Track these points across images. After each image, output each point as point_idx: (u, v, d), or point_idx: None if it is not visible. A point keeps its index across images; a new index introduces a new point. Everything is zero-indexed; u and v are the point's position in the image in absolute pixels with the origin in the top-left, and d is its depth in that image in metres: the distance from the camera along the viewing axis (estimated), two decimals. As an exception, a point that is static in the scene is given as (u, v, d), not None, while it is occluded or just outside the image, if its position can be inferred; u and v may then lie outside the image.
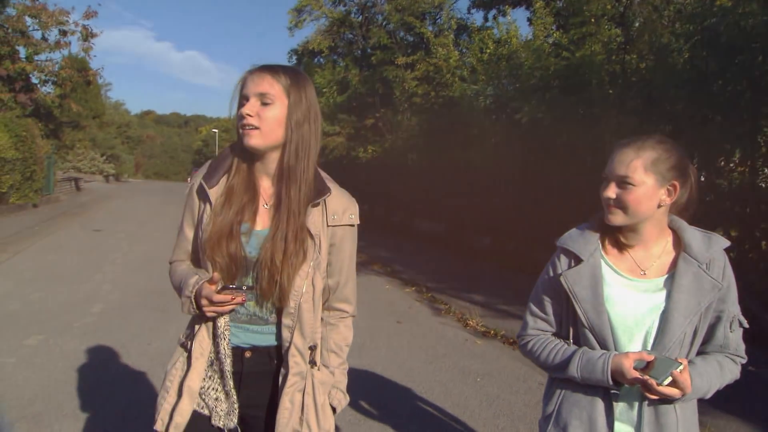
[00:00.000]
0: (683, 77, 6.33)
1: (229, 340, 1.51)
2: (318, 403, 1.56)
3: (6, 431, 3.08)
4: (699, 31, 6.02)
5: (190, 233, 1.61)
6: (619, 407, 1.49)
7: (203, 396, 1.55)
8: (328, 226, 1.52)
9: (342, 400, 1.64)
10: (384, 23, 18.33)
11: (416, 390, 4.08)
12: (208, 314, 1.46)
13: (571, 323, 1.54)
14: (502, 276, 8.73)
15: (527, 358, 1.65)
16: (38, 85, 17.78)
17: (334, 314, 1.65)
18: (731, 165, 6.87)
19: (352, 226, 1.57)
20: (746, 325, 1.50)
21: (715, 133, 5.79)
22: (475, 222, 11.44)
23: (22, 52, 16.81)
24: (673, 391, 1.36)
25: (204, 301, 1.43)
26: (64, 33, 17.01)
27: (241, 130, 1.46)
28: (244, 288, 1.43)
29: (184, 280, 1.53)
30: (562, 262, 1.55)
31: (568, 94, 8.25)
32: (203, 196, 1.54)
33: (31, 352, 4.36)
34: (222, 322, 1.50)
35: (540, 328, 1.61)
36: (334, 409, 1.62)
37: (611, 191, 1.45)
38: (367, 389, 4.01)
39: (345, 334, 1.67)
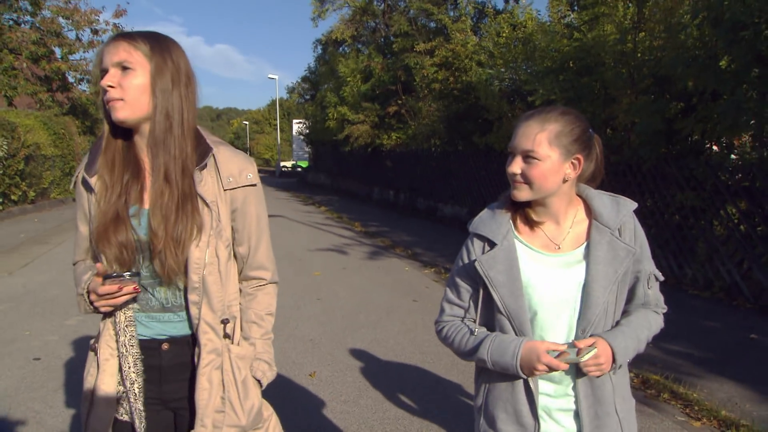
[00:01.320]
0: (692, 54, 6.37)
1: (132, 334, 1.42)
2: (238, 379, 1.46)
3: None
4: (705, 8, 6.05)
5: (84, 229, 1.49)
6: (548, 389, 1.47)
7: (122, 401, 1.46)
8: (225, 190, 1.42)
9: (267, 371, 1.53)
10: (405, 10, 18.41)
11: (425, 360, 4.34)
12: (102, 309, 1.37)
13: (486, 309, 1.50)
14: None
15: (444, 344, 1.61)
16: (74, 84, 18.47)
17: (251, 283, 1.55)
18: (743, 140, 6.91)
19: (254, 185, 1.47)
20: (661, 278, 1.53)
21: (725, 109, 5.84)
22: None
23: (58, 52, 17.46)
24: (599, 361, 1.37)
25: (93, 296, 1.34)
26: (95, 32, 17.60)
27: (106, 106, 1.34)
28: (127, 275, 1.32)
29: (77, 279, 1.44)
30: (476, 247, 1.50)
31: (581, 75, 8.32)
32: (87, 187, 1.43)
33: (70, 331, 4.77)
34: (122, 316, 1.40)
35: (455, 315, 1.57)
36: (259, 383, 1.53)
37: (516, 166, 1.41)
38: (378, 361, 4.29)
39: (266, 303, 1.56)
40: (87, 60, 18.33)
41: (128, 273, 1.32)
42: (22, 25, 17.04)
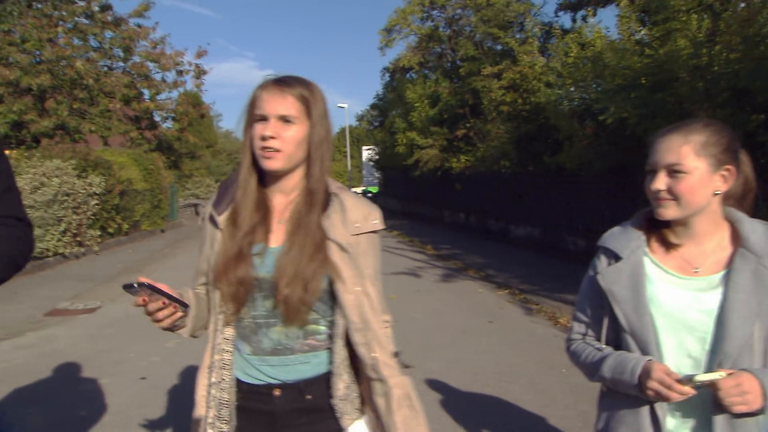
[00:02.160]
0: (770, 66, 6.20)
1: (221, 377, 1.42)
2: (418, 406, 1.46)
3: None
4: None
5: (204, 265, 1.50)
6: (674, 422, 1.35)
7: None
8: (351, 235, 1.43)
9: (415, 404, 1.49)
10: (471, 35, 18.66)
11: (503, 379, 4.42)
12: (157, 325, 1.38)
13: (612, 327, 1.44)
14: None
15: (572, 363, 1.56)
16: (159, 122, 19.82)
17: None
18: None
19: (375, 232, 1.48)
20: None
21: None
22: (570, 225, 11.45)
23: (146, 93, 18.83)
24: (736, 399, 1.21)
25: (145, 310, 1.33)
26: (180, 73, 18.86)
27: (259, 152, 1.38)
28: (186, 305, 1.34)
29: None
30: (602, 261, 1.45)
31: (654, 92, 8.20)
32: (214, 224, 1.46)
33: (171, 353, 5.18)
34: (217, 357, 1.42)
35: (583, 332, 1.52)
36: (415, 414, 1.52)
37: (660, 182, 1.32)
38: (456, 380, 4.41)
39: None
40: (171, 99, 19.66)
41: (186, 303, 1.32)
42: (115, 71, 18.52)
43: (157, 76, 18.90)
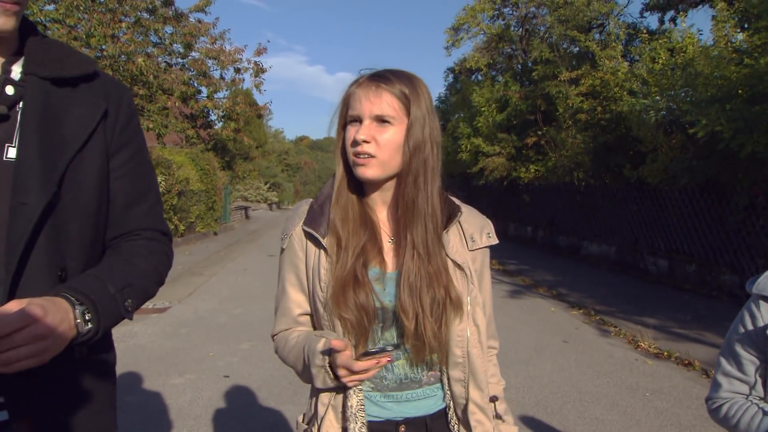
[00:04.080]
0: None
1: (362, 421, 1.33)
2: None
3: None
4: None
5: (297, 296, 1.43)
6: None
7: None
8: (469, 251, 1.40)
9: None
10: (546, 36, 18.79)
11: (583, 399, 4.69)
12: (350, 385, 1.30)
13: None
14: (679, 300, 8.81)
15: (720, 425, 1.52)
16: (215, 121, 20.77)
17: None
18: None
19: (488, 247, 1.45)
20: None
21: None
22: (650, 243, 11.47)
23: (204, 91, 19.80)
24: None
25: (342, 371, 1.25)
26: (238, 70, 19.76)
27: (352, 158, 1.31)
28: (389, 349, 1.23)
29: (307, 349, 1.34)
30: (764, 312, 1.37)
31: (752, 104, 8.24)
32: (314, 247, 1.38)
33: (247, 354, 5.67)
34: (354, 401, 1.33)
35: (736, 391, 1.44)
36: None
37: None
38: (534, 396, 4.71)
39: (498, 375, 1.54)
40: (226, 98, 20.58)
41: (389, 347, 1.25)
42: (174, 67, 19.56)
43: (215, 74, 19.88)
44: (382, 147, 1.29)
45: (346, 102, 1.35)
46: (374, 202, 1.40)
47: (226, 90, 20.28)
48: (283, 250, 1.44)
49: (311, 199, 1.44)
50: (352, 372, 1.23)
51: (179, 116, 19.40)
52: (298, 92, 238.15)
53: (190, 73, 19.15)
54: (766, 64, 8.18)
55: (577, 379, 5.20)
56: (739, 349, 1.44)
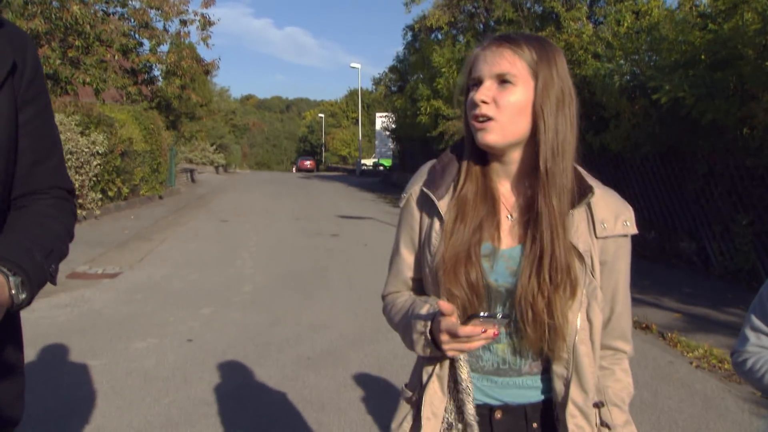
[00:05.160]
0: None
1: (472, 397, 1.31)
2: None
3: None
4: None
5: (410, 258, 1.44)
6: None
7: None
8: (597, 237, 1.33)
9: None
10: (509, -6, 18.98)
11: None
12: (450, 354, 1.26)
13: None
14: (638, 266, 9.25)
15: (743, 378, 1.58)
16: (159, 76, 20.32)
17: (608, 354, 1.42)
18: None
19: (626, 236, 1.38)
20: None
21: None
22: (612, 210, 11.98)
23: (146, 44, 19.31)
24: None
25: (444, 337, 1.21)
26: (184, 23, 19.31)
27: (472, 122, 1.29)
28: (499, 316, 1.18)
29: (412, 313, 1.34)
30: None
31: (714, 70, 8.63)
32: (429, 210, 1.38)
33: (208, 319, 5.83)
34: (465, 372, 1.31)
35: (764, 345, 1.51)
36: None
37: None
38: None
39: (625, 382, 1.44)
40: (172, 52, 20.14)
41: (500, 315, 1.19)
42: (112, 16, 18.98)
43: (159, 26, 19.39)
44: (502, 109, 1.26)
45: (469, 65, 1.34)
46: (497, 173, 1.37)
47: (170, 43, 19.84)
48: (401, 208, 1.46)
49: (435, 161, 1.43)
50: (455, 338, 1.19)
51: (119, 71, 18.91)
52: (244, 48, 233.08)
53: (131, 24, 18.64)
54: (729, 29, 8.57)
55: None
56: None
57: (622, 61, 11.05)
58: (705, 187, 9.25)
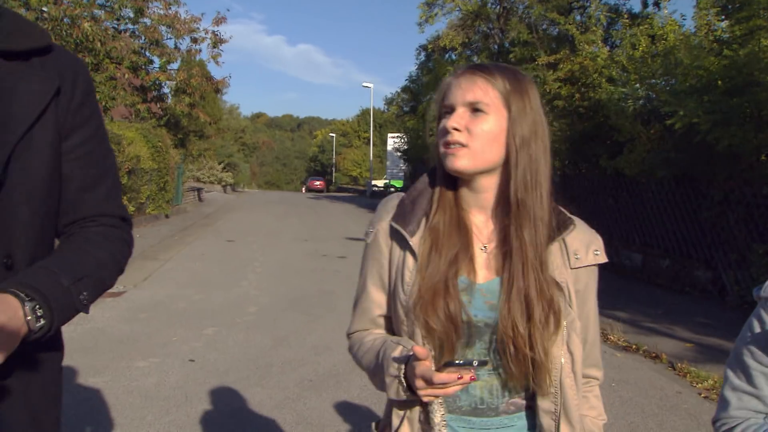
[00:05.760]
0: None
1: None
2: None
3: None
4: None
5: (378, 295, 1.42)
6: None
7: None
8: (571, 269, 1.36)
9: None
10: (525, 16, 19.24)
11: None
12: (425, 399, 1.25)
13: None
14: (651, 294, 9.36)
15: None
16: (168, 94, 20.69)
17: (582, 383, 1.41)
18: None
19: (596, 265, 1.40)
20: None
21: None
22: (625, 237, 12.04)
23: (156, 61, 19.68)
24: None
25: (419, 382, 1.20)
26: (195, 40, 19.69)
27: (442, 149, 1.30)
28: (475, 363, 1.18)
29: (382, 354, 1.32)
30: None
31: (730, 96, 8.72)
32: (401, 246, 1.37)
33: (211, 339, 5.94)
34: (438, 416, 1.30)
35: (747, 407, 1.39)
36: None
37: None
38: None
39: (600, 408, 1.47)
40: (182, 69, 20.51)
41: (476, 361, 1.18)
42: (123, 33, 19.39)
43: (169, 43, 19.78)
44: (474, 136, 1.28)
45: (442, 93, 1.36)
46: (469, 204, 1.38)
47: (181, 60, 20.22)
48: (367, 244, 1.44)
49: (402, 194, 1.43)
50: (430, 384, 1.18)
51: (128, 88, 19.26)
52: (255, 64, 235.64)
53: (141, 42, 19.04)
54: (745, 55, 8.67)
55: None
56: (748, 359, 1.38)
57: (636, 85, 11.17)
58: (721, 215, 9.29)
